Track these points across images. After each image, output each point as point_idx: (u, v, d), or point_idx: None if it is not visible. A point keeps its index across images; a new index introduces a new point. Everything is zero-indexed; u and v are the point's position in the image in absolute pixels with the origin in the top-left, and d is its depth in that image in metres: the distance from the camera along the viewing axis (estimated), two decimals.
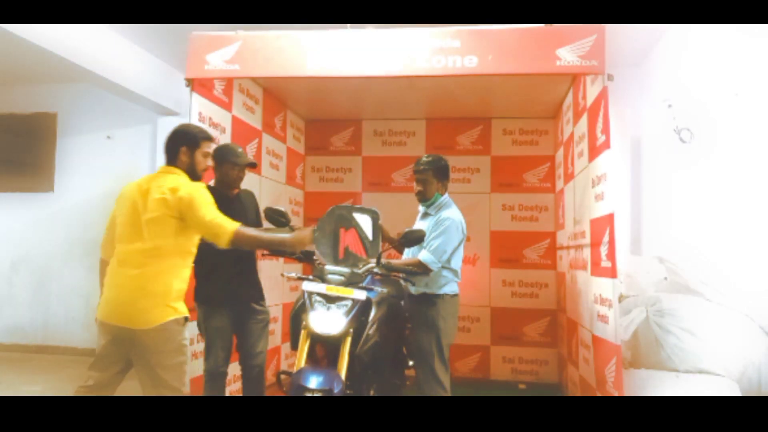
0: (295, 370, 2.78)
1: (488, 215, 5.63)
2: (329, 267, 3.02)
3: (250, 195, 3.68)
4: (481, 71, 3.47)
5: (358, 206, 3.30)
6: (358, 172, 5.91)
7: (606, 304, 3.31)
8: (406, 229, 3.19)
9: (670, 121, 4.75)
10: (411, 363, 3.65)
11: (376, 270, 3.07)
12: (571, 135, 4.46)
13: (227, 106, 4.28)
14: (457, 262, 3.47)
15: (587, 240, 3.83)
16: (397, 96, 5.13)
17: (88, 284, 6.35)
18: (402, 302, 3.59)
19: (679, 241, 4.52)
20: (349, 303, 2.86)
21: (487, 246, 5.60)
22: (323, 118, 5.92)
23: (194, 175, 2.77)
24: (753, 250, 3.71)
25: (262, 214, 3.34)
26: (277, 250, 3.05)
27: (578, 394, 4.21)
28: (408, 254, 3.55)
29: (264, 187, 4.81)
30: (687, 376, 3.53)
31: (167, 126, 5.84)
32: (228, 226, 2.59)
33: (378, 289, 3.01)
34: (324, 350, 2.99)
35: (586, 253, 3.85)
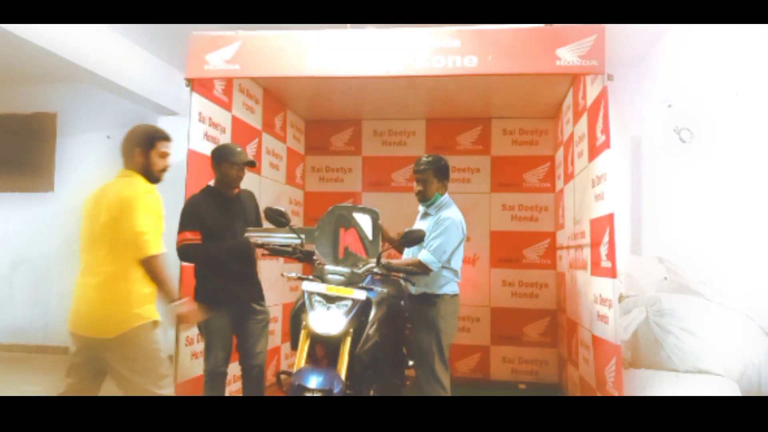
0: (295, 370, 2.78)
1: (488, 215, 5.63)
2: (329, 267, 3.02)
3: (250, 195, 3.68)
4: (481, 71, 3.47)
5: (358, 206, 3.30)
6: (358, 172, 5.91)
7: (606, 304, 3.31)
8: (406, 229, 3.18)
9: (670, 121, 4.75)
10: (411, 363, 3.65)
11: (376, 270, 3.07)
12: (571, 135, 4.46)
13: (227, 106, 4.28)
14: (457, 262, 3.47)
15: (587, 240, 3.83)
16: (397, 96, 5.12)
17: None
18: (402, 302, 3.59)
19: (679, 241, 4.52)
20: (349, 303, 2.86)
21: (487, 246, 5.60)
22: (323, 118, 5.91)
23: (151, 177, 2.70)
24: (753, 250, 3.71)
25: (262, 215, 3.34)
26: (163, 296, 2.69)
27: (578, 394, 4.21)
28: (408, 254, 3.55)
29: (264, 187, 4.81)
30: (687, 376, 3.53)
31: (167, 126, 5.88)
32: (150, 248, 2.48)
33: (378, 289, 3.01)
34: (324, 350, 2.98)
35: (586, 253, 3.85)
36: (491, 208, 5.64)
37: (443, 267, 3.38)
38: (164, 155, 2.75)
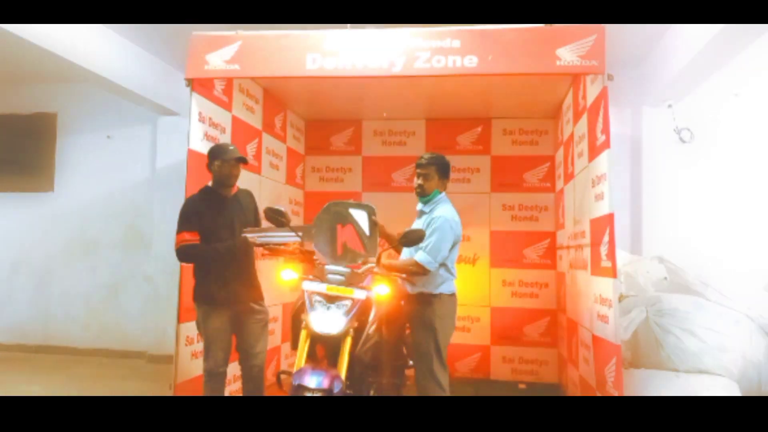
0: (295, 370, 2.78)
1: (488, 215, 5.63)
2: (329, 267, 3.02)
3: (248, 195, 3.67)
4: (481, 71, 3.47)
5: (353, 202, 3.29)
6: (358, 172, 5.91)
7: (606, 304, 3.31)
8: (406, 229, 3.18)
9: (670, 121, 4.76)
10: (411, 363, 3.64)
11: (375, 270, 3.07)
12: (571, 135, 4.46)
13: (227, 106, 4.28)
14: (451, 260, 3.46)
15: (587, 240, 3.83)
16: (397, 96, 5.12)
17: (88, 284, 6.35)
18: (402, 302, 3.58)
19: (679, 241, 4.53)
20: (349, 303, 2.86)
21: (487, 246, 5.60)
22: (323, 118, 5.91)
23: None
24: (753, 250, 3.72)
25: (262, 214, 3.34)
26: None
27: (578, 394, 4.21)
28: (406, 254, 3.55)
29: (264, 187, 4.81)
30: (687, 376, 3.54)
31: (167, 126, 5.90)
32: None
33: (378, 288, 3.01)
34: (324, 350, 2.99)
35: (586, 252, 3.85)
36: (491, 208, 5.64)
37: (439, 265, 3.37)
38: None
